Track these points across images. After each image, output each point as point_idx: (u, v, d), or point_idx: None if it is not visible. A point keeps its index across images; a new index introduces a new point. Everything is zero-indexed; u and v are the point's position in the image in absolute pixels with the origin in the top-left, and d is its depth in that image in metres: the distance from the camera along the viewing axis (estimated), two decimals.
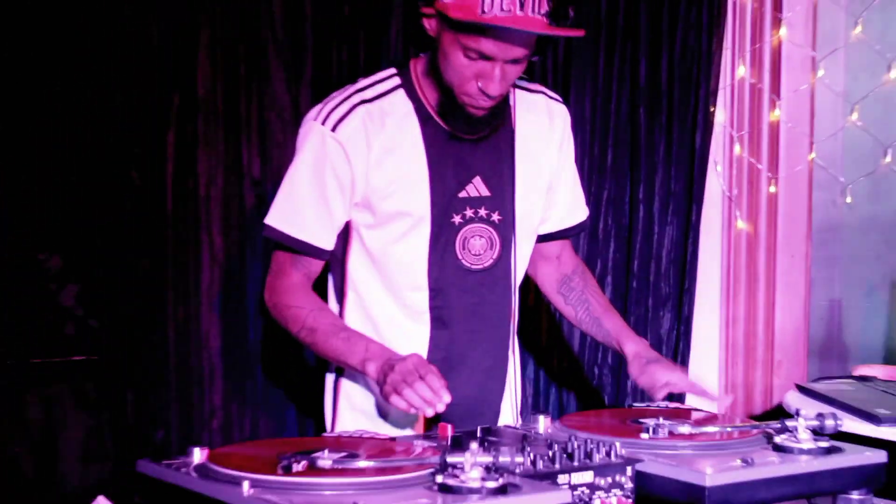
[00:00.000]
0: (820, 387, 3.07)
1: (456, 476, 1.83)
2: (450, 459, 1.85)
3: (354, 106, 2.55)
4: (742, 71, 3.72)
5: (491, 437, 2.26)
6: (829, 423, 2.25)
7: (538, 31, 2.42)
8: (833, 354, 3.84)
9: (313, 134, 2.56)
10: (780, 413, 3.55)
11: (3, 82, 3.28)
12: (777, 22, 3.69)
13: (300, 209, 2.57)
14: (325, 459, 1.86)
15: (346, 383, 2.70)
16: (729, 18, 3.68)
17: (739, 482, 2.06)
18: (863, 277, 3.88)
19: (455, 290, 2.63)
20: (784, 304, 3.70)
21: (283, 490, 1.78)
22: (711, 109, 3.63)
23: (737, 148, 3.72)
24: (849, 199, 3.83)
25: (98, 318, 3.42)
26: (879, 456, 2.22)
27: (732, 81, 3.71)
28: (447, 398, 2.29)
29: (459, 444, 2.18)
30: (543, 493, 1.83)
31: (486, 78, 2.46)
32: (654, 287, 3.61)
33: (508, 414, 2.76)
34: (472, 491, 1.81)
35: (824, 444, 2.22)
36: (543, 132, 2.73)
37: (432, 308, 2.64)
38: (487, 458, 1.85)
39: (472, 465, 1.84)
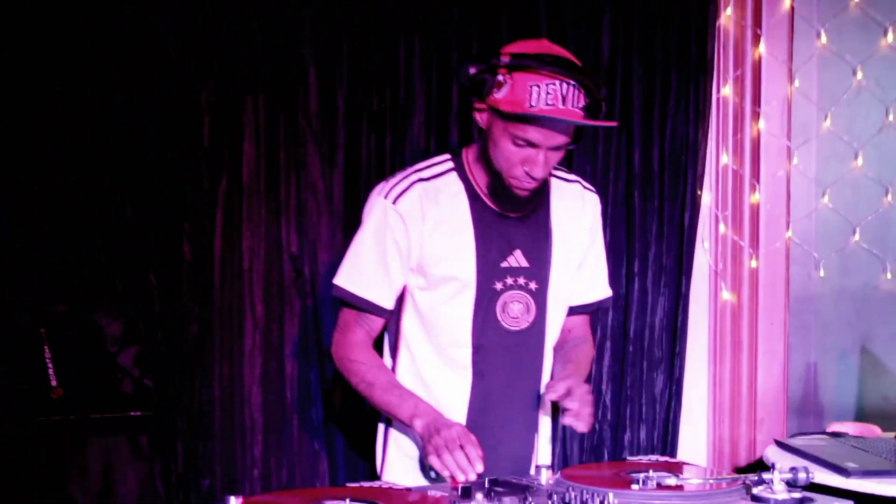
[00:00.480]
0: (796, 442, 3.05)
1: None
2: None
3: (413, 183, 2.62)
4: (725, 158, 3.72)
5: (497, 488, 2.24)
6: (802, 475, 2.24)
7: (577, 121, 2.49)
8: (810, 412, 3.81)
9: (377, 206, 2.63)
10: (761, 466, 3.52)
11: (64, 149, 3.33)
12: (756, 115, 3.69)
13: (364, 271, 2.64)
14: None
15: (395, 432, 2.73)
16: (713, 112, 3.69)
17: None
18: (836, 343, 3.85)
19: (494, 348, 2.66)
20: (765, 367, 3.67)
21: None
22: (698, 192, 3.63)
23: (721, 227, 3.72)
24: (822, 273, 3.81)
25: (153, 377, 3.42)
26: None
27: (717, 168, 3.71)
28: (480, 469, 2.32)
29: (468, 495, 2.17)
30: None
31: (531, 163, 2.53)
32: (649, 351, 3.60)
33: (538, 458, 2.78)
34: None
35: (797, 495, 2.20)
36: (576, 216, 2.77)
37: (474, 363, 2.66)
38: None
39: None
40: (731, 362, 3.69)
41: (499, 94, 2.49)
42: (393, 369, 2.70)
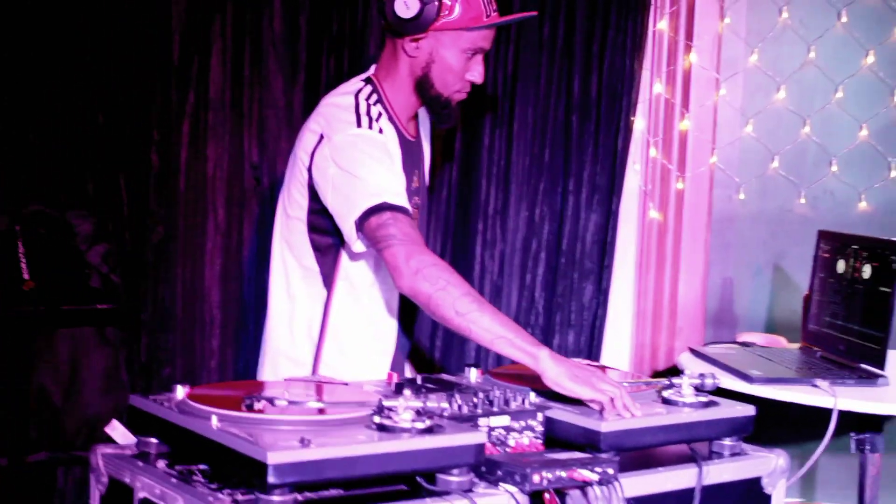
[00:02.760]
0: (709, 350, 3.04)
1: (390, 418, 1.79)
2: (386, 403, 1.81)
3: (379, 113, 2.45)
4: (658, 87, 3.66)
5: (428, 385, 2.21)
6: (709, 381, 2.22)
7: (523, 16, 2.63)
8: (725, 323, 3.80)
9: (366, 138, 2.39)
10: (677, 371, 3.52)
11: (43, 60, 3.25)
12: (688, 48, 3.64)
13: (392, 182, 2.35)
14: (282, 400, 1.82)
15: (333, 327, 2.50)
16: (649, 44, 3.62)
17: (630, 429, 2.02)
18: (752, 260, 3.84)
19: None
20: (686, 281, 3.65)
21: (245, 424, 1.74)
22: (632, 118, 3.57)
23: (652, 150, 3.67)
24: (742, 196, 3.78)
25: (120, 274, 3.38)
26: (748, 409, 2.19)
27: (650, 96, 3.66)
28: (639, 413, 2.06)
29: (400, 390, 2.14)
30: (462, 433, 1.80)
31: (477, 68, 2.50)
32: (580, 263, 3.57)
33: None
34: (403, 430, 1.77)
35: (703, 398, 2.19)
36: (426, 127, 2.73)
37: None
38: (418, 403, 1.82)
39: (404, 408, 1.80)
40: (655, 275, 3.66)
41: (452, 16, 2.42)
42: (328, 299, 2.50)
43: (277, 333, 2.55)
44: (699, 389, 2.21)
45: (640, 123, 3.64)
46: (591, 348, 3.56)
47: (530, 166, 3.54)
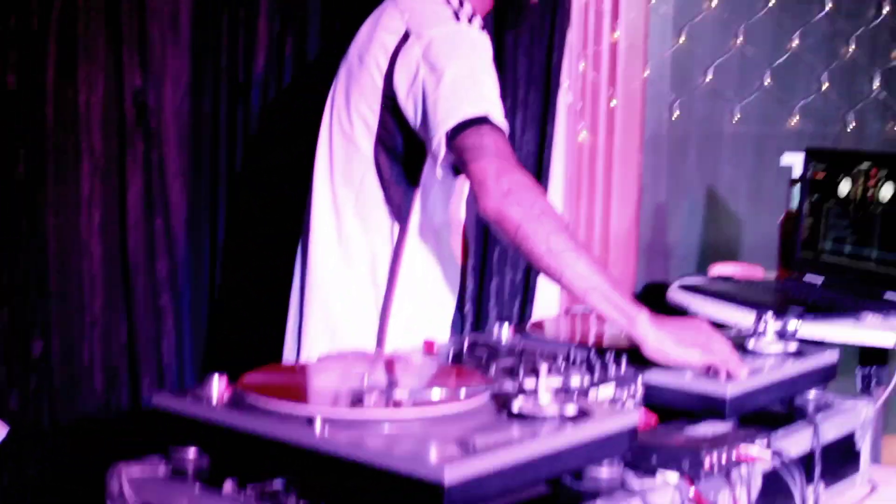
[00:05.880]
0: (707, 284, 2.75)
1: (534, 403, 1.42)
2: (526, 385, 1.43)
3: (473, 10, 2.03)
4: None
5: (477, 353, 1.83)
6: (792, 326, 1.97)
7: None
8: (658, 253, 3.55)
9: (468, 37, 1.98)
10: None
11: None
12: None
13: (494, 93, 1.95)
14: (402, 389, 1.40)
15: (400, 302, 2.11)
16: None
17: (751, 391, 1.73)
18: (681, 184, 3.59)
19: None
20: (618, 208, 3.35)
21: (358, 425, 1.33)
22: (567, 30, 3.22)
23: (581, 64, 3.33)
24: (677, 113, 3.51)
25: None
26: (833, 355, 1.95)
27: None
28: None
29: (460, 359, 1.77)
30: (615, 416, 1.45)
31: None
32: None
33: None
34: (548, 419, 1.40)
35: (791, 346, 1.93)
36: None
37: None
38: (556, 381, 1.46)
39: (545, 389, 1.43)
40: (587, 203, 3.35)
41: None
42: (402, 234, 2.09)
43: (325, 280, 2.12)
44: (780, 336, 1.95)
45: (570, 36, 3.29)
46: (526, 286, 3.24)
47: None
